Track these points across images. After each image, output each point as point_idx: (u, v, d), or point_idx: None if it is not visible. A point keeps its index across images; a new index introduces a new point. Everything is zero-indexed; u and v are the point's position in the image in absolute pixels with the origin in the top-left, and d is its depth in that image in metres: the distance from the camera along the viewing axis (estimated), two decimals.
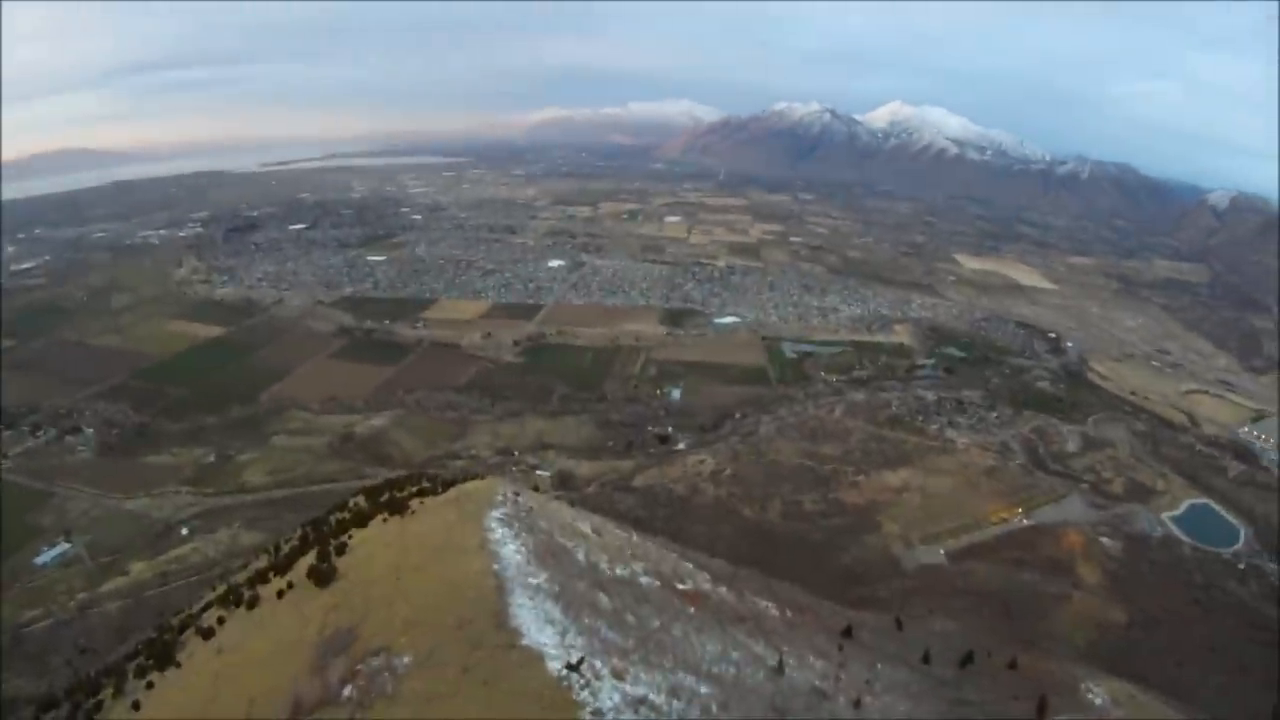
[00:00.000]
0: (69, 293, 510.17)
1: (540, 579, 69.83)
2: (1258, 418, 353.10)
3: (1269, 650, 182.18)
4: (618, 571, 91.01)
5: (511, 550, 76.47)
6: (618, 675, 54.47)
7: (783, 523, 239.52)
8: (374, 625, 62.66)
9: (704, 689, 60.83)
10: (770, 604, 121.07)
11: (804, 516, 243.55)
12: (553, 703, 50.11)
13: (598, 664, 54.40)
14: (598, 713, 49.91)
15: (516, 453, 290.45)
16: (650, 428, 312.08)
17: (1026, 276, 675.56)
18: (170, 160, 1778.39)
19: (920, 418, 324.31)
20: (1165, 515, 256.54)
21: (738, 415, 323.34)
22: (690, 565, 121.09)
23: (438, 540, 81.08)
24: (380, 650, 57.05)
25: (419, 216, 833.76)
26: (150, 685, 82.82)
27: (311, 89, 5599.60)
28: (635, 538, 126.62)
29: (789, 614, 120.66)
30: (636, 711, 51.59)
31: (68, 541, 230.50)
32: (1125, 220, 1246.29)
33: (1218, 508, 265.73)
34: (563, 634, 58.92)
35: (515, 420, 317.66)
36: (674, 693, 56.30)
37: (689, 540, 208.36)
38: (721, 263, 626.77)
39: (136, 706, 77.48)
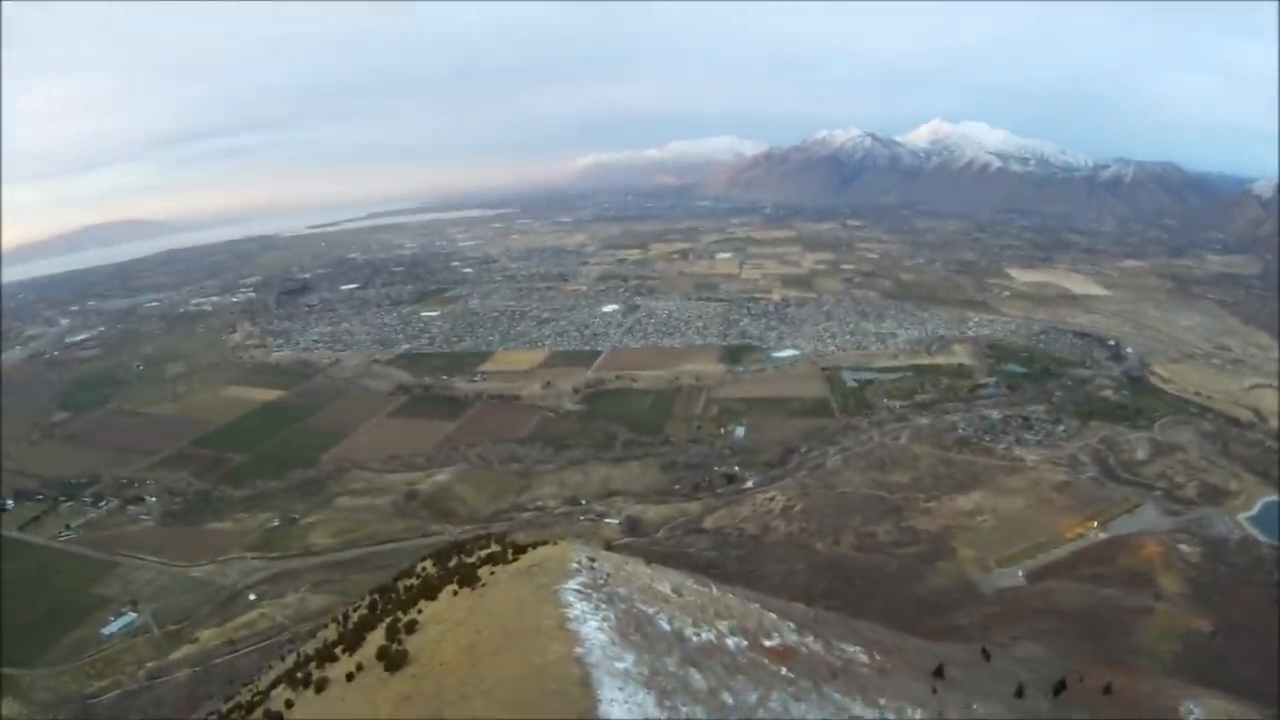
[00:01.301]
0: (124, 363, 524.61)
1: (628, 662, 67.29)
2: None
3: None
4: (704, 636, 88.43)
5: (593, 628, 73.83)
6: None
7: (857, 555, 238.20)
8: None
9: None
10: (858, 648, 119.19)
11: (878, 547, 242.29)
12: None
13: None
14: None
15: (583, 501, 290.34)
16: (716, 467, 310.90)
17: (1079, 285, 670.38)
18: (218, 227, 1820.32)
19: (987, 437, 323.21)
20: (1241, 516, 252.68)
21: (803, 449, 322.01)
22: (773, 615, 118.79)
23: (513, 620, 78.75)
24: None
25: (470, 270, 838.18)
26: None
27: (353, 149, 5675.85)
28: (715, 590, 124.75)
29: (877, 657, 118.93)
30: None
31: (134, 611, 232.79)
32: (1172, 219, 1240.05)
33: None
34: None
35: (580, 469, 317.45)
36: None
37: (764, 580, 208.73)
38: (775, 296, 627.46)
39: None
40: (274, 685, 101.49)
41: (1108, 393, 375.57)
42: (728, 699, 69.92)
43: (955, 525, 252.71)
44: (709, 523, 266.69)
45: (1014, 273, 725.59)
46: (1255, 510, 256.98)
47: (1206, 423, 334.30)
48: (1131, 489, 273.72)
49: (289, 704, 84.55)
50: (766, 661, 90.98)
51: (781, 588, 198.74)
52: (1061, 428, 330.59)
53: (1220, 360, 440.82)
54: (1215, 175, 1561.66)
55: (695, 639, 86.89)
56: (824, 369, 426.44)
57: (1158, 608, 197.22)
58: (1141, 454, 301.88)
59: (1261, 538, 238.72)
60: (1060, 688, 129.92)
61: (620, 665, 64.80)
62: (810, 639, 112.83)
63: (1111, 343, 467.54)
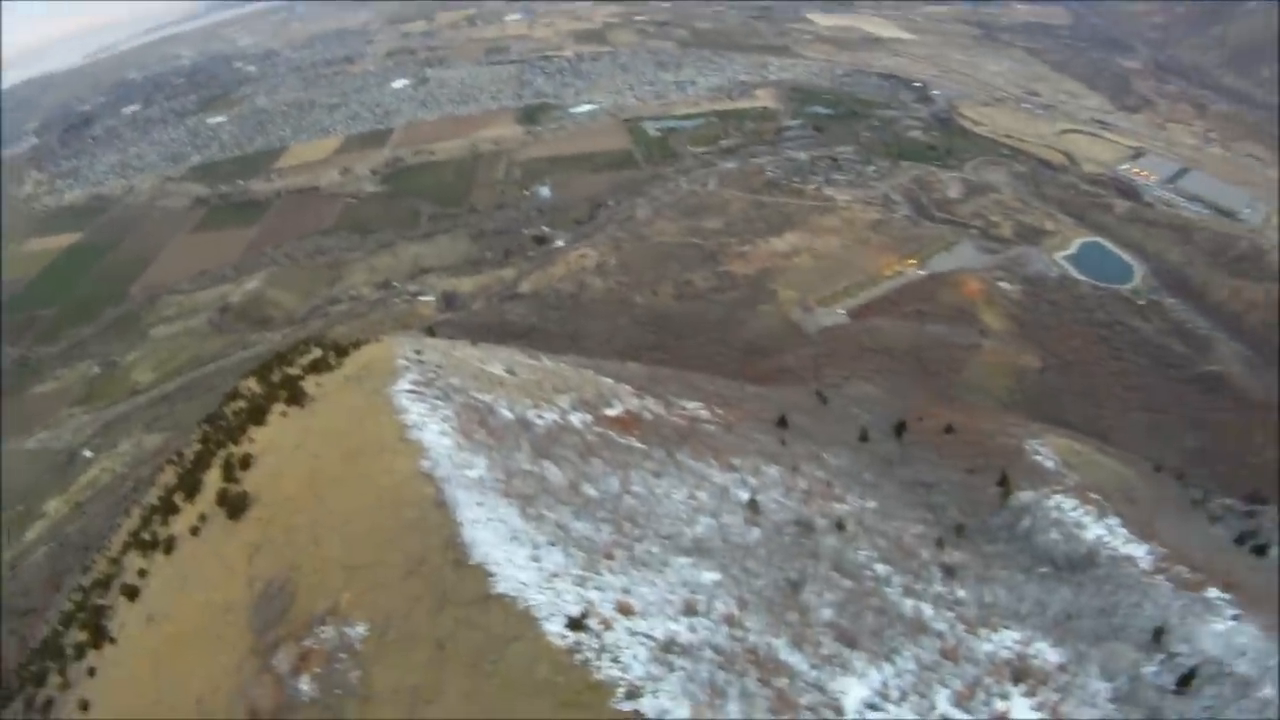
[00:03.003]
0: None
1: (480, 468, 63.41)
2: (1137, 154, 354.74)
3: (1180, 385, 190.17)
4: (547, 418, 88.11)
5: (435, 434, 70.06)
6: (625, 611, 46.25)
7: (678, 304, 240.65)
8: (308, 576, 55.21)
9: (706, 576, 54.56)
10: (698, 404, 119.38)
11: (697, 295, 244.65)
12: (573, 687, 40.75)
13: (594, 597, 46.26)
14: (633, 691, 41.14)
15: (396, 284, 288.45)
16: (525, 230, 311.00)
17: (883, 29, 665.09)
18: None
19: (796, 179, 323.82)
20: (1059, 255, 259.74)
21: (611, 202, 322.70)
22: (609, 380, 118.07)
23: (350, 437, 74.54)
24: (326, 616, 49.53)
25: (253, 68, 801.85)
26: (92, 672, 76.18)
27: None
28: (547, 361, 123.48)
29: (719, 412, 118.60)
30: (671, 666, 43.71)
31: None
32: None
33: (1109, 245, 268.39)
34: (534, 552, 51.56)
35: (388, 251, 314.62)
36: (689, 609, 48.91)
37: (589, 339, 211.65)
38: (569, 52, 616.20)
39: (85, 706, 70.82)
40: (124, 551, 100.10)
41: (916, 133, 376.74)
42: (591, 491, 67.11)
43: (773, 267, 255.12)
44: (525, 287, 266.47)
45: (815, 17, 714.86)
46: (1073, 250, 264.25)
47: (1019, 164, 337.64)
48: (947, 227, 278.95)
49: (142, 573, 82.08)
50: (615, 435, 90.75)
51: (608, 345, 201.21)
52: (872, 168, 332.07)
53: (1030, 105, 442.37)
54: None
55: (540, 422, 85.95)
56: (625, 121, 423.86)
57: (985, 345, 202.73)
58: (954, 193, 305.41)
59: (1081, 277, 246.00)
60: (901, 429, 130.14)
61: (473, 473, 61.52)
62: (650, 401, 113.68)
63: (918, 85, 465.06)
